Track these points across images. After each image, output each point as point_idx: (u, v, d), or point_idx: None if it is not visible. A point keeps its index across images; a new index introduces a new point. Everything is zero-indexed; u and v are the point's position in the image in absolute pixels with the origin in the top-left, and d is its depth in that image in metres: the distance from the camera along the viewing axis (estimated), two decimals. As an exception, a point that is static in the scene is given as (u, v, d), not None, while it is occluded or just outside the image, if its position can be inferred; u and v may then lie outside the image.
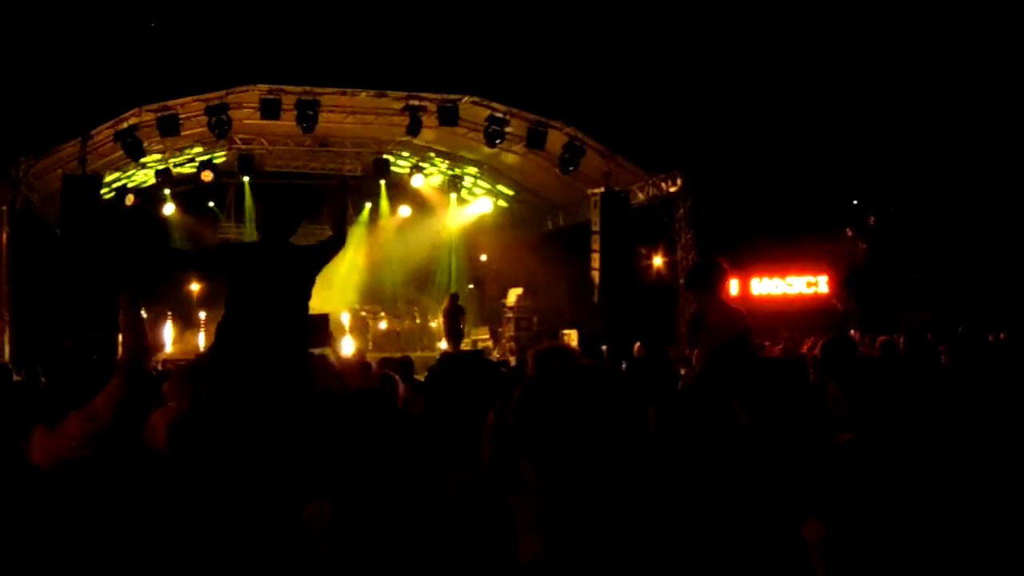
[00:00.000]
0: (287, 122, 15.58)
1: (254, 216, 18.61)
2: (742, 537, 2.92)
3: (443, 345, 17.77)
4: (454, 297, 18.00)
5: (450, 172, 19.91)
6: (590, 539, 1.53)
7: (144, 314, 3.78)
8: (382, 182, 20.06)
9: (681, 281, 16.64)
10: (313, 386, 5.25)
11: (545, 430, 1.56)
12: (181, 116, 15.12)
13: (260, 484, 3.64)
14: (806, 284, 20.10)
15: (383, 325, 19.54)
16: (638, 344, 9.96)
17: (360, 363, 10.76)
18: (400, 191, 20.32)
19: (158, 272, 10.30)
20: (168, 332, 17.64)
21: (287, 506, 2.95)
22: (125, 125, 14.93)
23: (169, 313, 17.82)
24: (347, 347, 17.17)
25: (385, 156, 18.67)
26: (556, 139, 16.50)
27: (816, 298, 19.85)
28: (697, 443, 3.59)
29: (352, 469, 2.67)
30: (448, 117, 15.80)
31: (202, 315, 17.79)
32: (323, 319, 16.19)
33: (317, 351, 14.16)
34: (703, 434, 3.68)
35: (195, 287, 19.05)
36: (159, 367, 13.00)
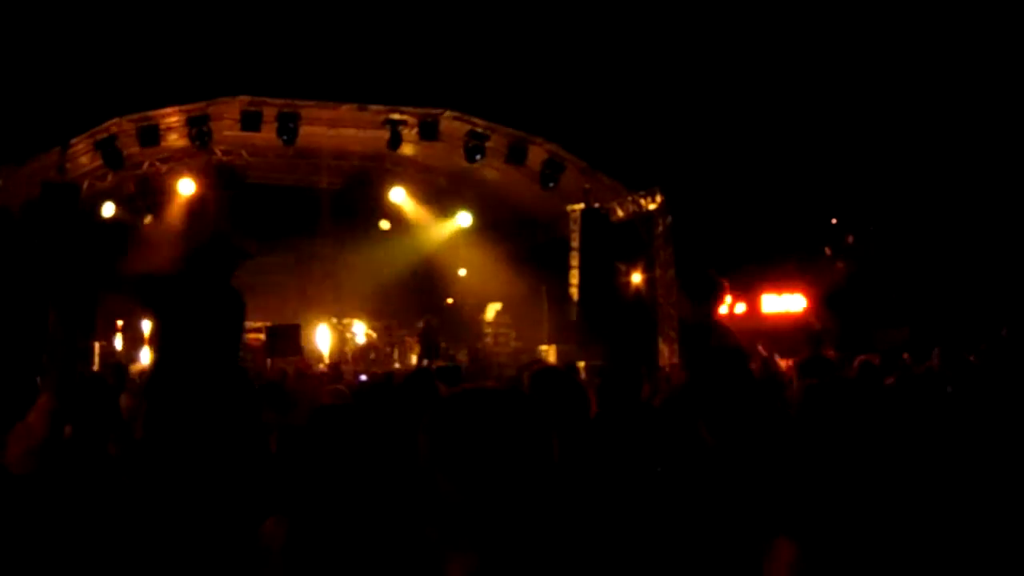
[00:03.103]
0: (268, 134, 15.55)
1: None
2: (700, 558, 2.92)
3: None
4: (428, 321, 17.91)
5: (430, 186, 19.89)
6: (524, 554, 1.62)
7: (73, 330, 3.74)
8: (361, 196, 19.99)
9: (659, 298, 16.70)
10: (257, 404, 5.12)
11: (454, 449, 1.68)
12: (162, 127, 15.07)
13: (214, 503, 3.61)
14: (784, 302, 20.20)
15: (360, 339, 19.47)
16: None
17: (331, 374, 10.72)
18: (379, 205, 20.25)
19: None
20: (143, 346, 17.46)
21: (243, 524, 2.92)
22: (105, 135, 14.86)
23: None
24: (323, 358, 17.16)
25: (365, 170, 18.65)
26: (536, 155, 16.53)
27: (794, 316, 19.93)
28: (662, 461, 3.61)
29: (311, 486, 2.66)
30: (428, 132, 15.82)
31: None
32: (294, 329, 16.21)
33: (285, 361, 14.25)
34: (669, 452, 3.70)
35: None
36: (137, 379, 12.91)
